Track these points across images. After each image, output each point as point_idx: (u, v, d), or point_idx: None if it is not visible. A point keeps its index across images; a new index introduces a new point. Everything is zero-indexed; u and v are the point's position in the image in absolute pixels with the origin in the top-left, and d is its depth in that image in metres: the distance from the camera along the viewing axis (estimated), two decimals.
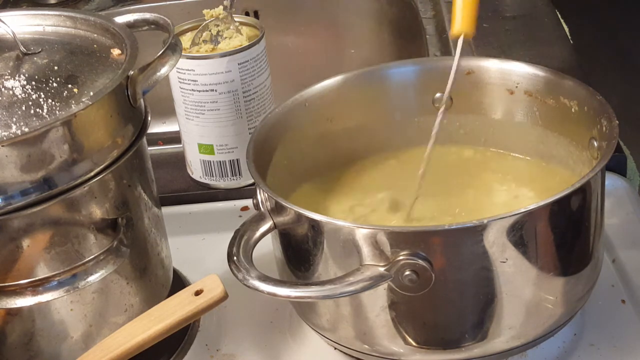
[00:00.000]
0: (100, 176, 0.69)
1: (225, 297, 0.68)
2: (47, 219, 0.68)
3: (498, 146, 0.86)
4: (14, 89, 0.70)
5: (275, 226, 0.72)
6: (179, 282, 0.85)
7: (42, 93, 0.69)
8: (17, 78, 0.71)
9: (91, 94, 0.69)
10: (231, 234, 0.71)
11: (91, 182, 0.69)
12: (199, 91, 0.93)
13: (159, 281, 0.79)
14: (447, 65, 0.86)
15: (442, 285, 0.68)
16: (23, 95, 0.69)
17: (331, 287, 0.67)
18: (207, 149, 0.96)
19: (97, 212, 0.71)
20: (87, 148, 0.68)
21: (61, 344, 0.73)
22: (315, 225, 0.70)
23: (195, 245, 0.94)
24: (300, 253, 0.72)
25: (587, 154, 0.78)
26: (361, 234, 0.67)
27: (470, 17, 0.78)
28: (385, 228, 0.67)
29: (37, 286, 0.69)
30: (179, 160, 1.01)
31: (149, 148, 0.79)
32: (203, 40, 0.94)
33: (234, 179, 0.97)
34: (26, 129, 0.65)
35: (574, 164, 0.80)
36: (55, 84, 0.70)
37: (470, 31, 0.78)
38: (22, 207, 0.66)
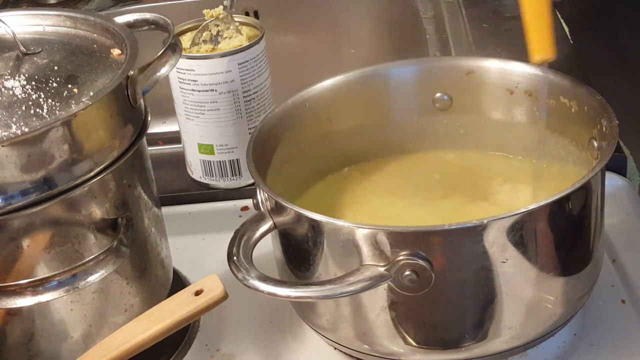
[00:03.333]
0: (100, 176, 0.69)
1: (225, 297, 0.68)
2: (47, 219, 0.68)
3: (498, 146, 0.86)
4: (14, 89, 0.70)
5: (275, 226, 0.72)
6: (179, 282, 0.85)
7: (42, 93, 0.69)
8: (17, 78, 0.71)
9: (91, 94, 0.69)
10: (231, 234, 0.71)
11: (91, 182, 0.69)
12: (199, 91, 0.93)
13: (159, 281, 0.79)
14: (447, 65, 0.87)
15: (442, 285, 0.67)
16: (23, 95, 0.69)
17: (331, 287, 0.67)
18: (207, 149, 0.96)
19: (97, 212, 0.71)
20: (87, 148, 0.68)
21: (61, 344, 0.73)
22: (315, 225, 0.70)
23: (195, 245, 0.93)
24: (300, 253, 0.72)
25: (587, 154, 0.78)
26: (361, 234, 0.67)
27: (550, 40, 0.74)
28: (385, 228, 0.67)
29: (37, 286, 0.69)
30: (179, 160, 1.01)
31: (149, 148, 0.79)
32: (203, 40, 0.94)
33: (234, 179, 0.97)
34: (26, 129, 0.65)
35: (574, 164, 0.80)
36: (55, 84, 0.70)
37: (552, 55, 0.75)
38: (22, 207, 0.66)
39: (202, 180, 0.99)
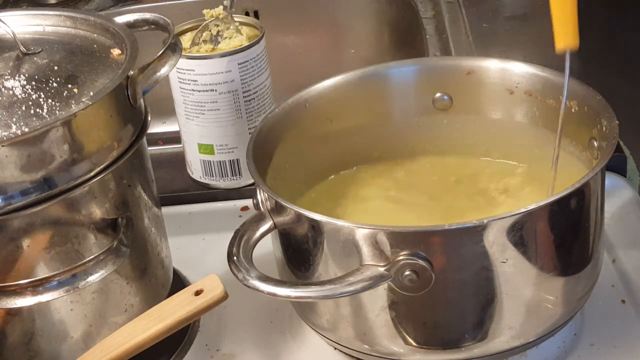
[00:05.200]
0: (100, 176, 0.69)
1: (225, 297, 0.68)
2: (47, 219, 0.68)
3: (498, 146, 0.86)
4: (14, 89, 0.70)
5: (275, 226, 0.72)
6: (179, 282, 0.85)
7: (42, 93, 0.69)
8: (17, 78, 0.71)
9: (91, 94, 0.69)
10: (231, 234, 0.71)
11: (91, 182, 0.69)
12: (199, 91, 0.93)
13: (159, 281, 0.79)
14: (447, 65, 0.86)
15: (442, 285, 0.67)
16: (23, 95, 0.69)
17: (331, 287, 0.67)
18: (207, 149, 0.96)
19: (97, 212, 0.71)
20: (87, 148, 0.68)
21: (61, 344, 0.73)
22: (315, 225, 0.70)
23: (195, 245, 0.93)
24: (300, 253, 0.72)
25: (587, 154, 0.78)
26: (361, 234, 0.67)
27: (574, 29, 0.73)
28: (385, 228, 0.67)
29: (37, 286, 0.69)
30: (179, 160, 1.01)
31: (149, 148, 0.79)
32: (203, 40, 0.94)
33: (234, 179, 0.97)
34: (26, 129, 0.65)
35: (573, 164, 0.80)
36: (55, 84, 0.70)
37: (575, 44, 0.73)
38: (22, 207, 0.66)
39: (202, 180, 0.99)
